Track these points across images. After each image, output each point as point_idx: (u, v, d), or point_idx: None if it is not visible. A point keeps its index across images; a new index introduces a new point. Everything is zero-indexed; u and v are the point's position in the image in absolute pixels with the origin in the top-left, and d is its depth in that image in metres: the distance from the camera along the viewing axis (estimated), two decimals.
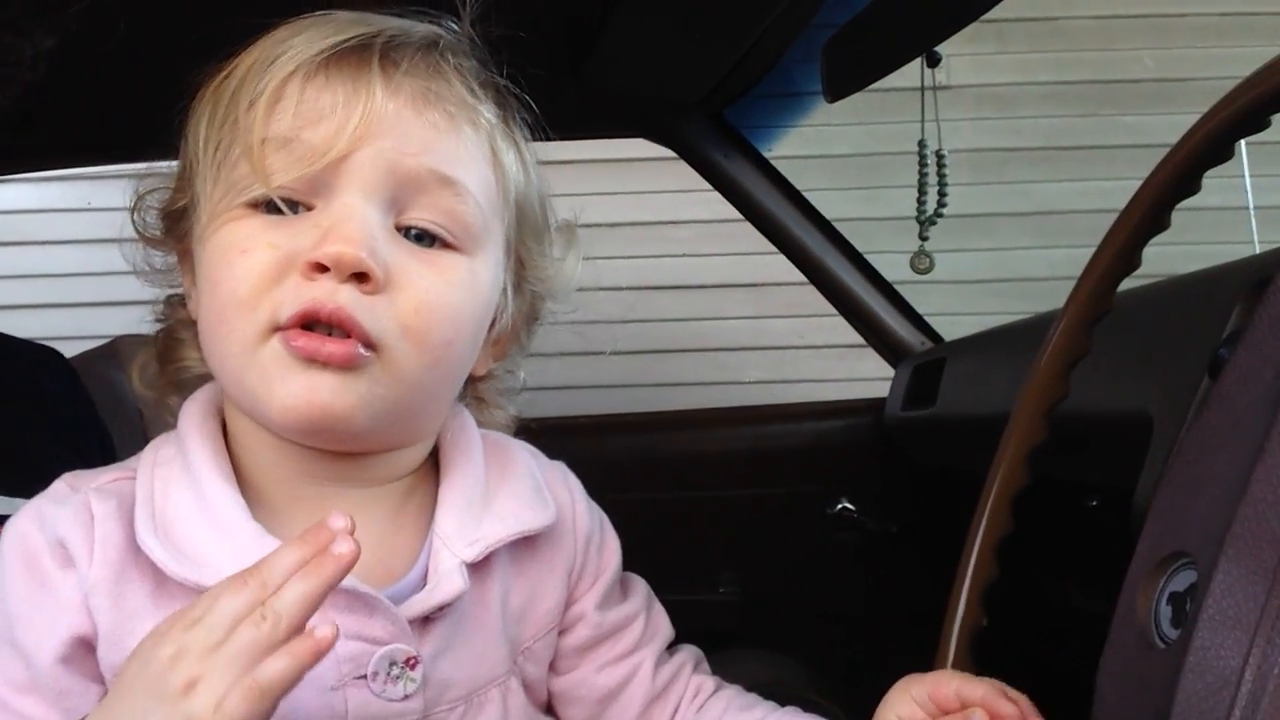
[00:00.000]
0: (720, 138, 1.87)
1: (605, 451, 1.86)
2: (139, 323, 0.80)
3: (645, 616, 0.83)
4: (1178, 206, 0.71)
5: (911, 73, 1.49)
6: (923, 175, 1.68)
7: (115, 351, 1.32)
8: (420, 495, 0.75)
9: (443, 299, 0.67)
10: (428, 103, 0.69)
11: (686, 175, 1.91)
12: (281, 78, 0.67)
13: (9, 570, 0.67)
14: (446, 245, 0.69)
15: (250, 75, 0.68)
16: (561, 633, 0.80)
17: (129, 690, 0.58)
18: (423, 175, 0.67)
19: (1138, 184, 0.72)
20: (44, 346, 1.13)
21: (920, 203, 1.68)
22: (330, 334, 0.64)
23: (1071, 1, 3.46)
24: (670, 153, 1.89)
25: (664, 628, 0.85)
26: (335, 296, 0.63)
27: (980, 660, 0.74)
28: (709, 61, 1.60)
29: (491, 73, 0.75)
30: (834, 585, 1.86)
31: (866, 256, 1.94)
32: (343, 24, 0.70)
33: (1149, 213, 0.71)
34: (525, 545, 0.76)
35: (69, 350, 1.19)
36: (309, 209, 0.66)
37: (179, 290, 0.76)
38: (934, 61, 1.48)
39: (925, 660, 0.74)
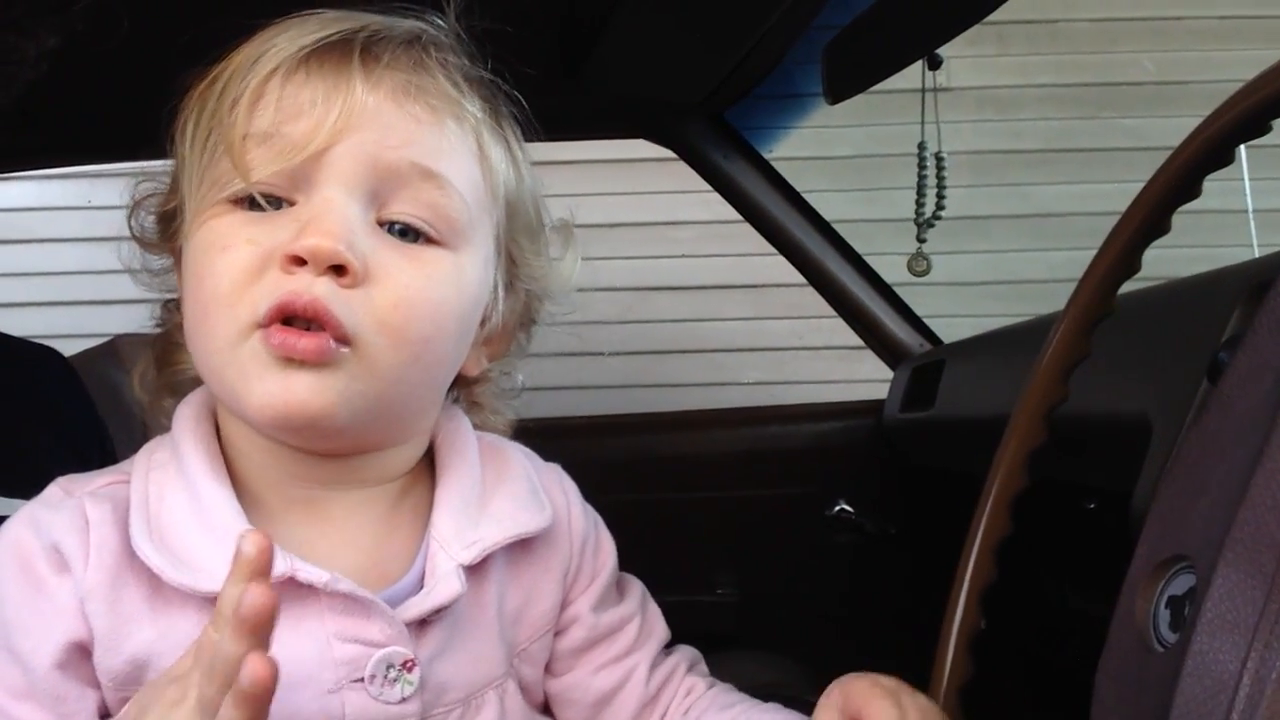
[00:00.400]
0: (720, 139, 1.87)
1: (604, 452, 1.86)
2: (139, 322, 0.80)
3: (641, 618, 0.83)
4: (1178, 210, 0.71)
5: (912, 75, 1.49)
6: (922, 177, 1.68)
7: (115, 351, 1.32)
8: (415, 498, 0.75)
9: (423, 294, 0.67)
10: (409, 96, 0.68)
11: (686, 176, 1.91)
12: (263, 75, 0.67)
13: (4, 576, 0.67)
14: (430, 240, 0.68)
15: (235, 75, 0.69)
16: (557, 634, 0.80)
17: None
18: (404, 168, 0.67)
19: (1137, 187, 0.72)
20: (43, 346, 1.13)
21: (919, 205, 1.69)
22: (308, 328, 0.63)
23: (1072, 4, 3.46)
24: (670, 153, 1.89)
25: (660, 629, 0.84)
26: (311, 289, 0.63)
27: (979, 662, 0.74)
28: (710, 63, 1.60)
29: (480, 69, 0.75)
30: (832, 587, 1.86)
31: (866, 258, 1.94)
32: (326, 21, 0.70)
33: (1149, 217, 0.71)
34: (521, 547, 0.76)
35: (68, 348, 1.19)
36: (291, 204, 0.66)
37: (176, 295, 0.76)
38: (935, 64, 1.49)
39: (924, 662, 0.74)
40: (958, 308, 2.79)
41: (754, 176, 1.88)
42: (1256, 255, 0.97)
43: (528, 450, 0.82)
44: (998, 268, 3.45)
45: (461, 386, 0.80)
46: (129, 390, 0.79)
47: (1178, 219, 0.72)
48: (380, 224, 0.67)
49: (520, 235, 0.77)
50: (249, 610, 0.53)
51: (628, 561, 0.85)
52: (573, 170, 2.76)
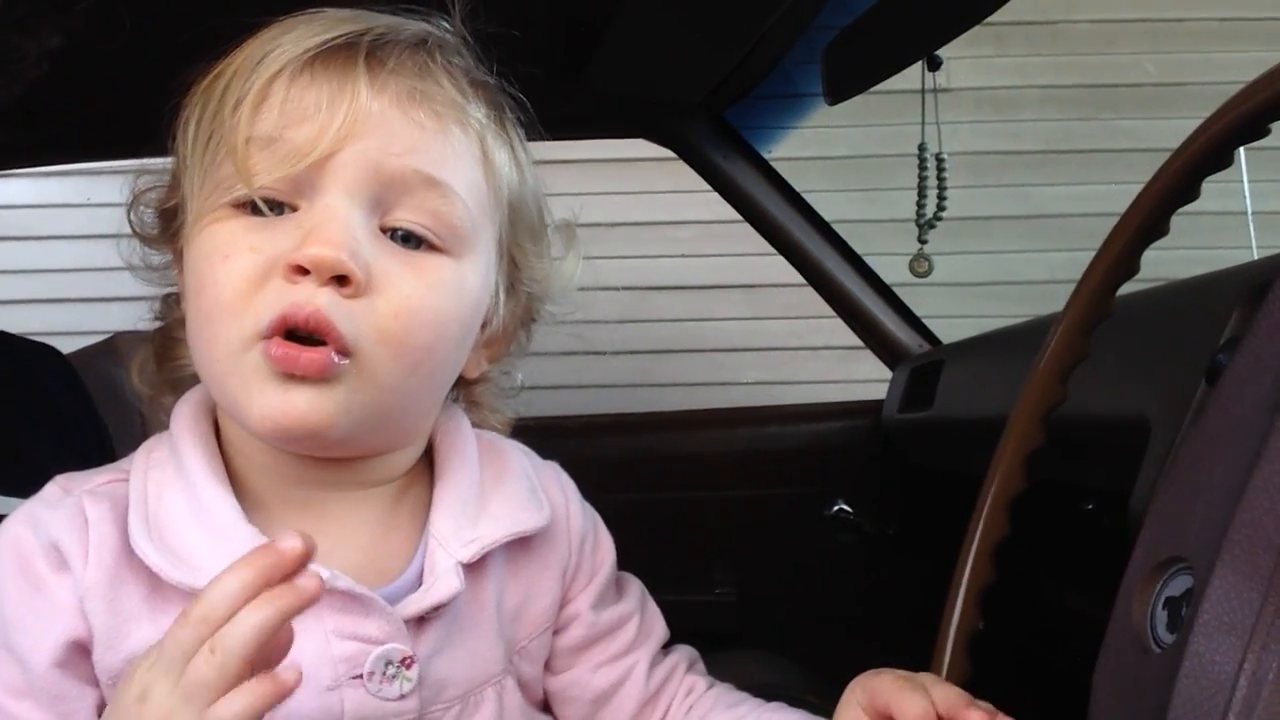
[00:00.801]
0: (720, 139, 1.87)
1: (603, 451, 1.86)
2: (138, 319, 0.80)
3: (640, 617, 0.83)
4: (1177, 212, 0.71)
5: (911, 75, 1.49)
6: (922, 178, 1.68)
7: (114, 348, 1.32)
8: (414, 496, 0.75)
9: (424, 303, 0.67)
10: (414, 102, 0.68)
11: (686, 176, 1.91)
12: (267, 77, 0.66)
13: (3, 574, 0.67)
14: (433, 247, 0.68)
15: (238, 75, 0.68)
16: (556, 632, 0.80)
17: None
18: (408, 176, 0.66)
19: (1137, 188, 0.72)
20: (42, 344, 1.13)
21: (919, 205, 1.69)
22: (310, 339, 0.63)
23: (1071, 5, 3.46)
24: (670, 153, 1.89)
25: (659, 628, 0.84)
26: (314, 299, 0.63)
27: (976, 663, 0.74)
28: (710, 63, 1.61)
29: (485, 72, 0.74)
30: (830, 587, 1.86)
31: (865, 258, 1.94)
32: (332, 22, 0.69)
33: (1148, 219, 0.71)
34: (520, 546, 0.76)
35: (68, 346, 1.19)
36: (294, 210, 0.66)
37: (175, 289, 0.76)
38: (935, 65, 1.49)
39: (922, 662, 0.74)
40: (957, 308, 2.79)
41: (754, 176, 1.89)
42: (1255, 257, 0.98)
43: (526, 449, 0.82)
44: (996, 268, 3.45)
45: (461, 387, 0.80)
46: (128, 388, 0.79)
47: (1177, 221, 0.72)
48: (383, 231, 0.67)
49: (523, 238, 0.76)
50: (315, 591, 0.55)
51: (627, 561, 0.85)
52: (573, 170, 2.76)
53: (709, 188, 1.91)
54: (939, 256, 1.79)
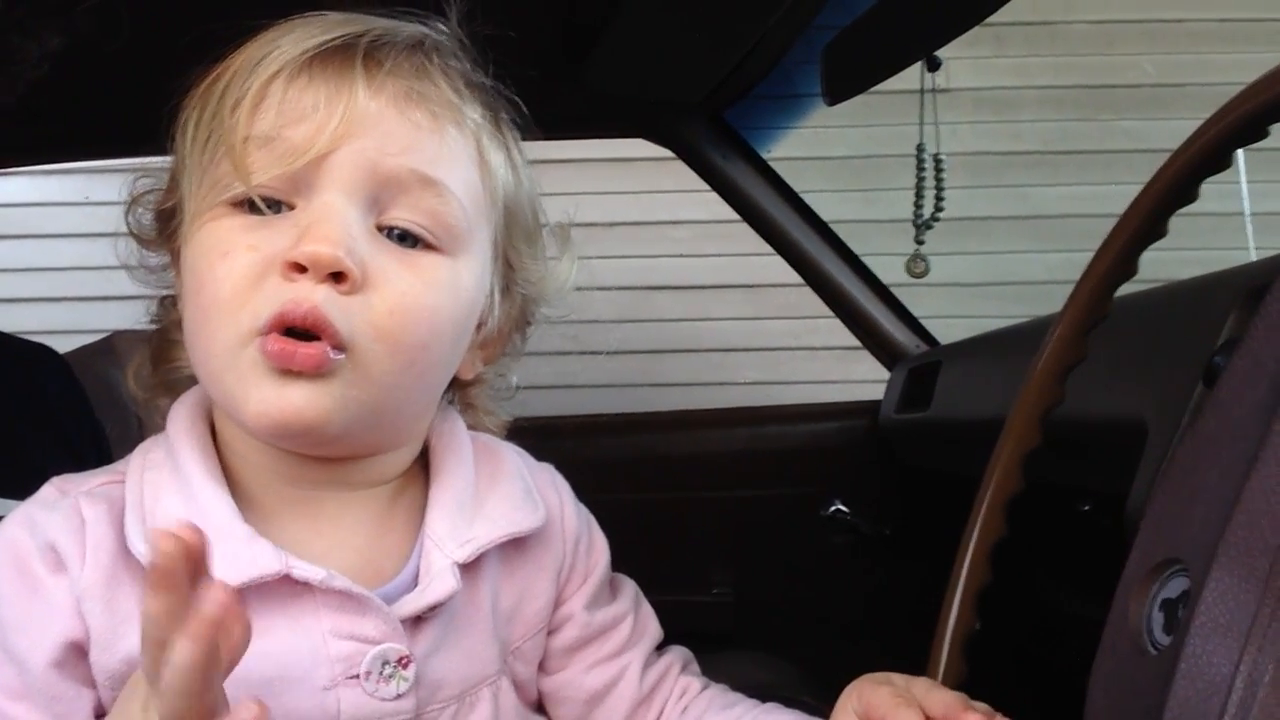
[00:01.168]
0: (719, 139, 1.87)
1: (600, 451, 1.86)
2: (136, 317, 0.80)
3: (634, 617, 0.83)
4: (1175, 213, 0.71)
5: (911, 76, 1.49)
6: (921, 178, 1.68)
7: (111, 347, 1.32)
8: (409, 496, 0.75)
9: (420, 300, 0.67)
10: (411, 102, 0.68)
11: (685, 175, 1.92)
12: (266, 78, 0.67)
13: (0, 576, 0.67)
14: (429, 246, 0.68)
15: (237, 76, 0.68)
16: (550, 633, 0.80)
17: None
18: (404, 175, 0.67)
19: (1135, 189, 0.72)
20: (38, 344, 1.12)
21: (917, 206, 1.69)
22: (306, 336, 0.63)
23: (1070, 6, 3.46)
24: (668, 153, 1.90)
25: (652, 629, 0.85)
26: (311, 296, 0.63)
27: (973, 664, 0.74)
28: (709, 63, 1.61)
29: (481, 73, 0.75)
30: (827, 587, 1.86)
31: (863, 259, 1.94)
32: (330, 24, 0.70)
33: (1147, 220, 0.71)
34: (515, 546, 0.76)
35: (66, 344, 1.19)
36: (291, 208, 0.66)
37: (173, 291, 0.76)
38: (934, 66, 1.49)
39: (919, 663, 0.74)
40: (955, 309, 2.80)
41: (752, 176, 1.89)
42: (1253, 259, 0.98)
43: (521, 450, 0.82)
44: (995, 269, 3.45)
45: (456, 389, 0.80)
46: (125, 389, 0.79)
47: (1175, 222, 0.72)
48: (379, 229, 0.67)
49: (518, 240, 0.77)
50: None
51: (622, 561, 0.85)
52: (571, 169, 2.77)
53: (708, 187, 1.91)
54: (937, 257, 1.79)
